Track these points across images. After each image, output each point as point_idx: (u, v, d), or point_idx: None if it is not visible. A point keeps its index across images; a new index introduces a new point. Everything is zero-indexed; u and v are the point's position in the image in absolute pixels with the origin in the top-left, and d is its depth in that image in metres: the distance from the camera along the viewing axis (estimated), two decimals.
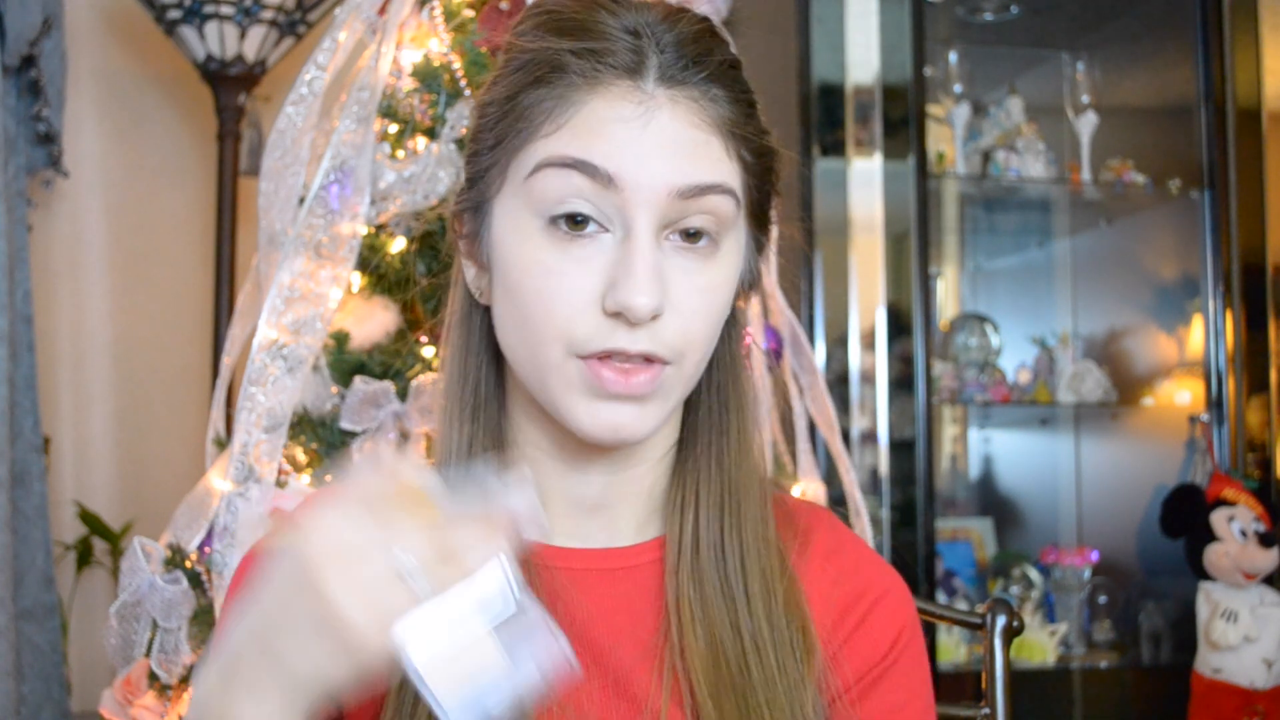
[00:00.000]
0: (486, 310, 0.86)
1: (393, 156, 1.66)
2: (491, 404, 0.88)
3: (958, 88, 2.83)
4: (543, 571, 0.85)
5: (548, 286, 0.79)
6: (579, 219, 0.79)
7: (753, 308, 1.62)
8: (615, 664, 0.84)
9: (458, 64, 1.67)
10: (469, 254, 0.87)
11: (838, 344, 2.60)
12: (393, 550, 0.65)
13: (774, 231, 0.92)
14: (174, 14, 2.74)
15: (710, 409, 0.89)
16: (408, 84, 1.70)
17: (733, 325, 0.89)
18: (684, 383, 0.83)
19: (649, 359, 0.79)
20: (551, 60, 0.80)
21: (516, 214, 0.81)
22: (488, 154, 0.83)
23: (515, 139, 0.81)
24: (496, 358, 0.87)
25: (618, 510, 0.89)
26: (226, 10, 2.72)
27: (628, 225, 0.78)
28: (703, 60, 0.81)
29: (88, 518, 2.83)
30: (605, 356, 0.79)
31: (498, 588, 0.66)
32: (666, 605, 0.86)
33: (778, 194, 0.87)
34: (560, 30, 0.81)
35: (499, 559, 0.67)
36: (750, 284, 0.89)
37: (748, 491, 0.88)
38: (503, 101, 0.82)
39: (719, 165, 0.80)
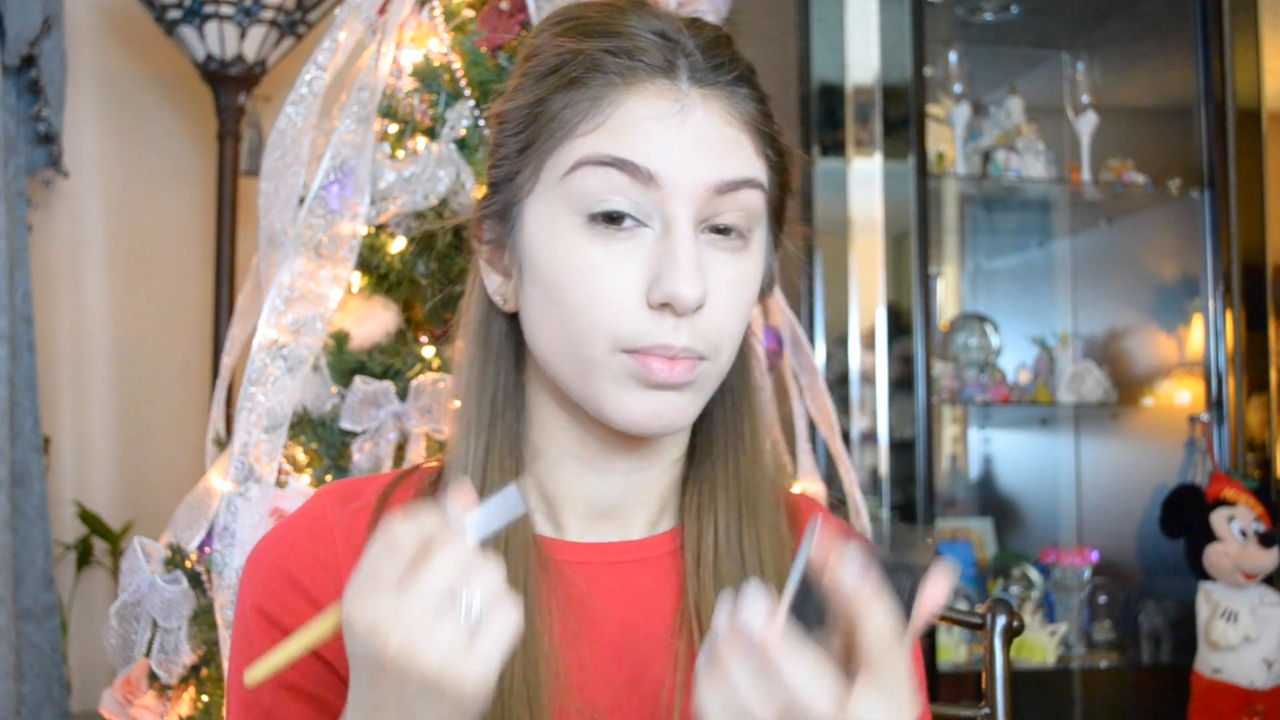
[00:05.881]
0: (507, 318, 0.87)
1: (393, 156, 1.66)
2: (509, 412, 0.88)
3: (958, 88, 2.83)
4: (561, 566, 0.87)
5: (591, 282, 0.80)
6: (618, 216, 0.80)
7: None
8: (630, 657, 0.86)
9: (458, 64, 1.67)
10: (491, 261, 0.87)
11: (838, 344, 2.60)
12: (444, 608, 0.66)
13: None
14: (174, 14, 2.74)
15: (724, 410, 0.90)
16: (408, 84, 1.70)
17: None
18: (717, 376, 0.84)
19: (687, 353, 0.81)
20: (586, 61, 0.81)
21: (554, 213, 0.82)
22: (515, 158, 0.84)
23: (549, 140, 0.82)
24: (516, 365, 0.88)
25: (633, 511, 0.90)
26: (226, 10, 2.72)
27: (668, 220, 0.80)
28: (728, 62, 0.83)
29: (88, 518, 2.82)
30: (649, 351, 0.80)
31: None
32: (684, 605, 0.87)
33: (792, 193, 0.89)
34: (589, 33, 0.82)
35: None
36: (768, 285, 0.89)
37: (761, 494, 0.90)
38: (529, 107, 0.83)
39: (751, 161, 0.83)
